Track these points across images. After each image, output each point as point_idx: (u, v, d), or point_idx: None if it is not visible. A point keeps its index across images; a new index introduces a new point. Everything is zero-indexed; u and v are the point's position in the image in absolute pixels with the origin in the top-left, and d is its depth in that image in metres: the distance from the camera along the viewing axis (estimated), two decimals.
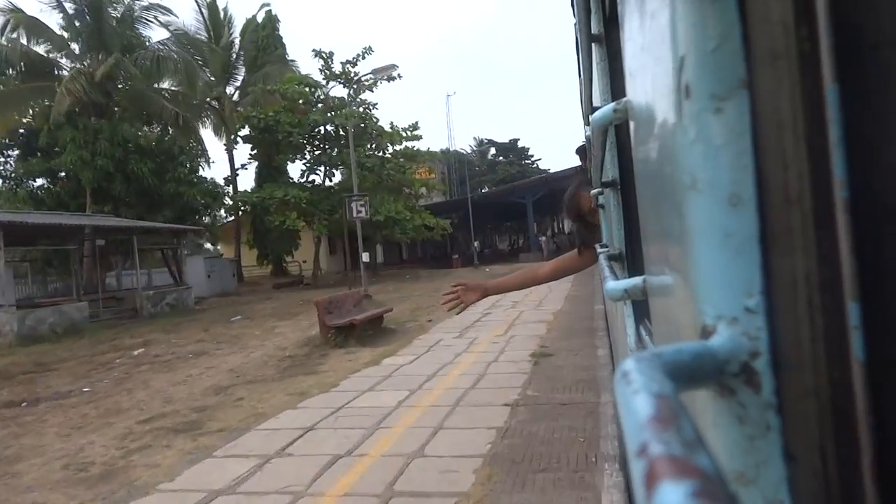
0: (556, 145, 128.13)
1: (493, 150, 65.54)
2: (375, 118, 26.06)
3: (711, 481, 0.18)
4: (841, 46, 0.23)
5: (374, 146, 26.47)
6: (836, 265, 0.24)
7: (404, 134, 27.02)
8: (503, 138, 66.03)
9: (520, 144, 63.76)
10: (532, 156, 63.85)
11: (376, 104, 27.92)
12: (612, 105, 0.73)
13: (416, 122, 27.08)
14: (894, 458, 0.23)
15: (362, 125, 24.62)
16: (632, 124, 0.61)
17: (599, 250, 1.59)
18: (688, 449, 0.19)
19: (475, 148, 66.70)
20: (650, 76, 0.41)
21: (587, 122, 1.84)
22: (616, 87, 1.19)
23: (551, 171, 42.34)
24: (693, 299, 0.32)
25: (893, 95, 0.22)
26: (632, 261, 1.19)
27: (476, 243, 36.37)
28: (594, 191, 1.80)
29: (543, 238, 36.65)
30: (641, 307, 0.99)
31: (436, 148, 37.26)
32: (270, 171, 26.70)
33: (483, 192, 41.92)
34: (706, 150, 0.30)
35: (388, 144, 26.61)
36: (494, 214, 44.75)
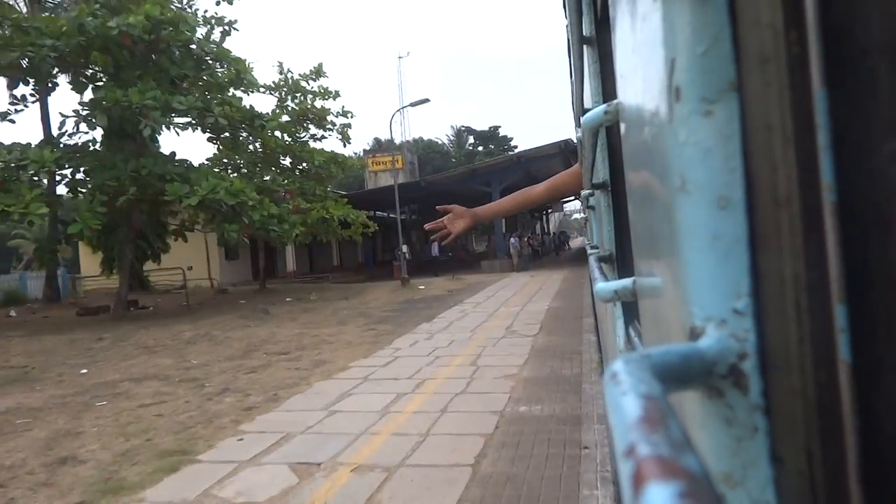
0: (541, 135, 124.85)
1: (471, 139, 61.17)
2: (190, 26, 14.61)
3: (698, 482, 0.18)
4: (830, 51, 0.23)
5: (205, 79, 15.64)
6: (824, 268, 0.24)
7: (307, 85, 17.49)
8: (483, 126, 61.82)
9: (501, 133, 59.57)
10: (515, 147, 59.05)
11: (235, 21, 15.78)
12: (603, 107, 0.73)
13: (321, 66, 17.55)
14: (880, 460, 0.23)
15: (187, 45, 14.58)
16: (622, 126, 0.61)
17: (590, 251, 1.60)
18: (675, 450, 0.19)
19: (452, 136, 62.47)
20: (641, 78, 0.41)
21: (578, 124, 1.84)
22: (607, 88, 1.20)
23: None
24: (682, 301, 0.32)
25: (882, 100, 0.22)
26: (622, 262, 1.19)
27: (406, 248, 22.42)
28: (585, 192, 1.80)
29: (513, 239, 25.28)
30: (631, 308, 0.99)
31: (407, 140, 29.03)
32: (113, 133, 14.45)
33: (427, 177, 29.64)
34: (695, 152, 0.30)
35: (244, 85, 16.20)
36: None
